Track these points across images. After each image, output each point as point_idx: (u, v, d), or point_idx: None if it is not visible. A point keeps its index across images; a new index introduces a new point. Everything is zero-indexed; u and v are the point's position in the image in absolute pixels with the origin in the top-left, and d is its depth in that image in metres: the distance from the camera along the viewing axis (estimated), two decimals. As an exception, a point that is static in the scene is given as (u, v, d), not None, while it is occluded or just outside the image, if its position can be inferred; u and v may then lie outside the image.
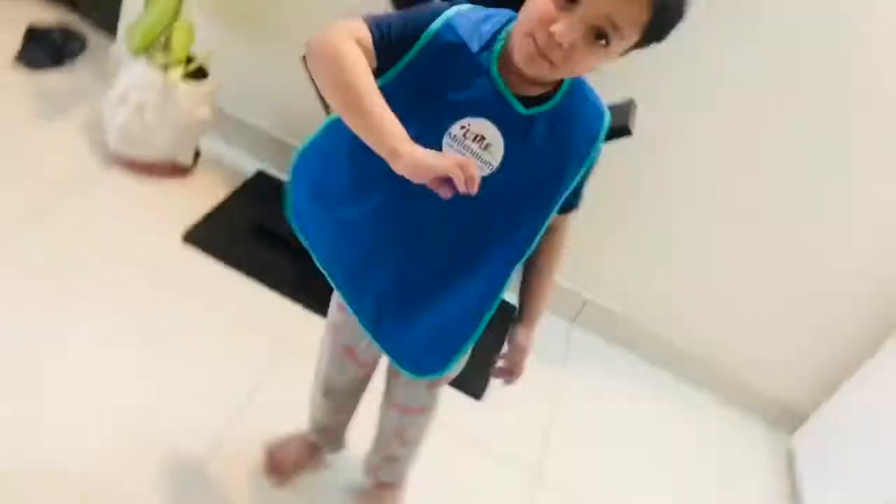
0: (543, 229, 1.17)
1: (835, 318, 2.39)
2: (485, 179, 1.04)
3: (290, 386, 1.82)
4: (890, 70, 2.01)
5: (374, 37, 1.03)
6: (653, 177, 2.30)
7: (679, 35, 1.02)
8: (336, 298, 1.45)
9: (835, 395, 2.37)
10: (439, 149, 1.06)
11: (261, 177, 2.56)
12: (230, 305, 2.06)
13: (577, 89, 1.10)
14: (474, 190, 0.93)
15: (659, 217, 2.37)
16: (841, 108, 2.09)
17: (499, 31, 1.07)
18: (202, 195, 2.36)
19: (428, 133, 1.05)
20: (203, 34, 2.26)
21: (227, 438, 1.73)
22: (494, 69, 1.06)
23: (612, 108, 1.20)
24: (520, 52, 1.01)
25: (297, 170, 1.24)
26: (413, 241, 1.18)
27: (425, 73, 1.07)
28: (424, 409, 1.54)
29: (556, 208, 1.16)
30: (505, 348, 1.34)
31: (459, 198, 0.97)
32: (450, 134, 1.07)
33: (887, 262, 2.26)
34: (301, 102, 2.29)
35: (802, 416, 2.47)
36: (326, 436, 1.70)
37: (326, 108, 2.09)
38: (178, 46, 2.17)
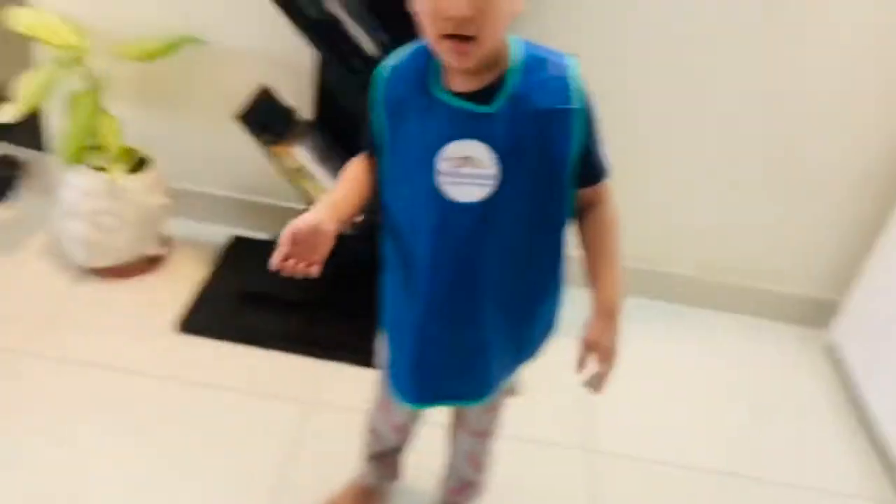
0: (567, 207, 1.14)
1: (833, 204, 2.35)
2: (500, 193, 1.07)
3: (326, 440, 1.80)
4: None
5: (368, 147, 1.18)
6: (626, 107, 2.22)
7: None
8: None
9: (861, 278, 2.33)
10: (440, 195, 1.08)
11: (236, 242, 2.50)
12: (243, 379, 2.00)
13: (529, 59, 1.07)
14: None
15: (637, 148, 2.31)
16: None
17: (428, 56, 1.07)
18: (184, 279, 2.30)
19: (424, 185, 1.08)
20: (131, 125, 2.21)
21: (280, 514, 1.68)
22: (438, 89, 1.06)
23: None
24: (446, 56, 1.01)
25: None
26: (475, 289, 1.16)
27: (393, 137, 1.11)
28: (494, 431, 1.50)
29: (568, 181, 1.11)
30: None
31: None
32: (439, 173, 1.07)
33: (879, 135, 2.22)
34: (248, 159, 2.26)
35: (834, 310, 2.43)
36: (383, 466, 1.63)
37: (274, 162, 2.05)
38: (109, 142, 2.11)
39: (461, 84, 1.05)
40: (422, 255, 1.14)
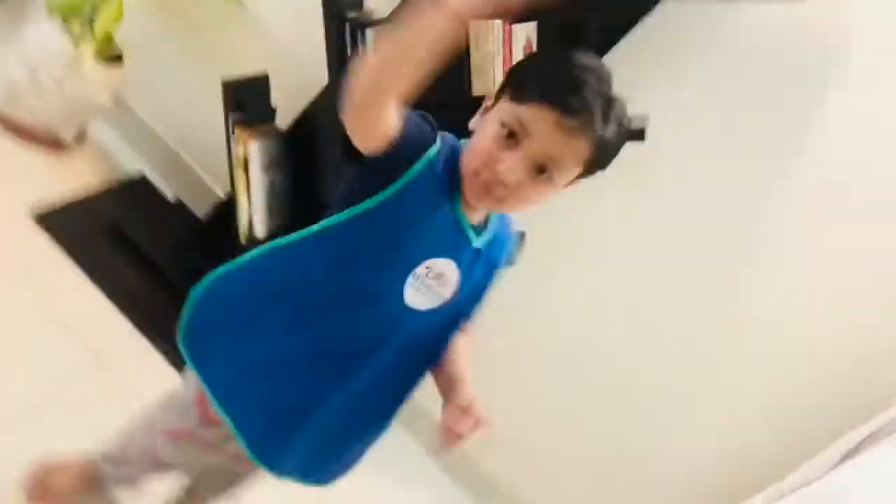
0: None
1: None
2: (436, 313, 1.10)
3: (90, 403, 1.69)
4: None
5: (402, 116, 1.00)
6: (514, 332, 2.30)
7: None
8: (205, 410, 1.21)
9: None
10: (399, 289, 1.06)
11: (142, 182, 2.42)
12: (58, 300, 1.89)
13: (501, 220, 1.17)
14: None
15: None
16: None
17: (457, 168, 1.07)
18: (72, 178, 2.20)
19: (397, 272, 1.06)
20: (130, 23, 2.16)
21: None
22: (458, 207, 1.07)
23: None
24: (470, 188, 1.04)
25: (209, 295, 1.14)
26: (347, 377, 1.14)
27: (406, 208, 1.05)
28: None
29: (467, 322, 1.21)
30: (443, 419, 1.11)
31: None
32: (414, 273, 1.07)
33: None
34: (205, 123, 2.22)
35: None
36: (127, 482, 1.46)
37: (229, 140, 2.02)
38: (102, 23, 2.05)
39: (469, 212, 1.09)
40: (326, 318, 1.10)
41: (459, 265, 1.09)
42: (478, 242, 1.11)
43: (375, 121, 0.98)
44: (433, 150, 1.05)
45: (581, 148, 0.99)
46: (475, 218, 1.10)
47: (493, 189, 1.01)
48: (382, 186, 1.02)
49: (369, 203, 1.03)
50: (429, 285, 1.08)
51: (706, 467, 2.34)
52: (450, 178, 1.06)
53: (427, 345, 1.17)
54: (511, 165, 0.99)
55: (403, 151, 1.02)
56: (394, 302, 1.08)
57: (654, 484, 2.41)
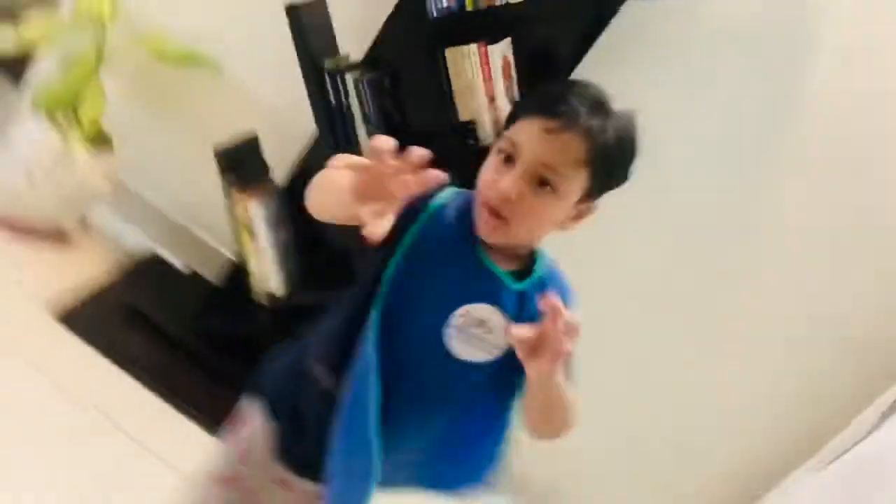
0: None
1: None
2: (493, 364, 1.07)
3: (139, 489, 1.69)
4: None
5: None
6: None
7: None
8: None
9: None
10: (440, 343, 1.05)
11: (152, 259, 2.44)
12: (94, 393, 1.89)
13: (551, 268, 1.11)
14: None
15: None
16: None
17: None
18: (83, 268, 2.21)
19: (430, 329, 1.05)
20: (115, 105, 2.19)
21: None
22: (480, 251, 1.05)
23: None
24: (479, 222, 1.03)
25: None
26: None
27: (419, 267, 1.05)
28: None
29: None
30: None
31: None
32: (450, 325, 1.05)
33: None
34: (204, 191, 2.24)
35: None
36: None
37: (229, 193, 2.04)
38: (86, 113, 2.08)
39: (497, 261, 1.07)
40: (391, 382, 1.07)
41: (503, 309, 1.05)
42: (519, 285, 1.06)
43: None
44: (436, 203, 1.06)
45: (572, 147, 0.99)
46: (506, 265, 1.07)
47: (500, 209, 1.00)
48: (393, 252, 1.04)
49: (391, 265, 1.04)
50: (473, 334, 1.06)
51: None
52: (468, 228, 1.05)
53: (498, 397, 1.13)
54: (510, 181, 0.99)
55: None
56: (439, 357, 1.06)
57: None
